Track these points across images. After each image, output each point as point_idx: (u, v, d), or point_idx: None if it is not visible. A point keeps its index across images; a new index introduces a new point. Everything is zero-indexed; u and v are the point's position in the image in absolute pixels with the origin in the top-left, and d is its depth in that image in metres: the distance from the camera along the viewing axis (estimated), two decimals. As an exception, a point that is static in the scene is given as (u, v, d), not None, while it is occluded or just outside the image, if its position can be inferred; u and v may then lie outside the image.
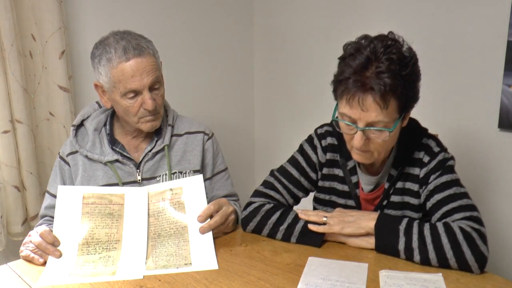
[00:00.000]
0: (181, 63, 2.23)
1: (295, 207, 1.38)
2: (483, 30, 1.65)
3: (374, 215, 1.19)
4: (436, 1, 1.76)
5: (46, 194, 1.44)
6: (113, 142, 1.44)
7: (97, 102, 1.52)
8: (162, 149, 1.44)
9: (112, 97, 1.37)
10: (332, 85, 1.20)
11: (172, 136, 1.47)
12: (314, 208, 1.43)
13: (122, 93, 1.33)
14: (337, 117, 1.20)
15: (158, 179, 1.43)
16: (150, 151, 1.43)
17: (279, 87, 2.47)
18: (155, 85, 1.37)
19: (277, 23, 2.40)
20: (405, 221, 1.15)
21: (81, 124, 1.46)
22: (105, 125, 1.46)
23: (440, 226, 1.12)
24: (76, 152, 1.42)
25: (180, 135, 1.49)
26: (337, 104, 1.20)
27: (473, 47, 1.69)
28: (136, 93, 1.34)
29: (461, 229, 1.10)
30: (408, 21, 1.85)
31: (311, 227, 1.23)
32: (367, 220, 1.18)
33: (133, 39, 1.33)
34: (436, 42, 1.78)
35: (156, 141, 1.45)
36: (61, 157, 1.44)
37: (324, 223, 1.23)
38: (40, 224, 1.38)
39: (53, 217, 1.24)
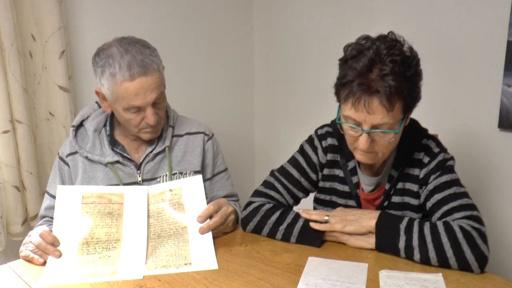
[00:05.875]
0: (181, 64, 2.23)
1: (295, 208, 1.38)
2: (483, 30, 1.65)
3: (375, 214, 1.19)
4: (436, 1, 1.76)
5: (46, 195, 1.44)
6: (113, 143, 1.44)
7: (96, 102, 1.51)
8: (163, 150, 1.44)
9: (114, 106, 1.36)
10: (335, 88, 1.19)
11: (172, 137, 1.47)
12: (315, 209, 1.43)
13: (125, 108, 1.33)
14: (339, 120, 1.20)
15: (158, 180, 1.43)
16: (151, 152, 1.43)
17: (279, 88, 2.47)
18: (158, 100, 1.36)
19: (277, 24, 2.40)
20: (406, 220, 1.15)
21: (80, 125, 1.46)
22: (105, 125, 1.46)
23: (440, 225, 1.12)
24: (76, 153, 1.41)
25: (181, 136, 1.49)
26: (339, 106, 1.20)
27: (473, 47, 1.69)
28: (139, 108, 1.33)
29: (461, 228, 1.10)
30: (408, 21, 1.85)
31: (313, 225, 1.23)
32: (369, 219, 1.19)
33: (138, 54, 1.29)
34: (436, 42, 1.78)
35: (157, 143, 1.44)
36: (60, 158, 1.44)
37: (325, 222, 1.23)
38: (40, 225, 1.37)
39: (52, 218, 1.24)
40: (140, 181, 1.41)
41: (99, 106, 1.50)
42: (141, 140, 1.45)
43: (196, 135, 1.50)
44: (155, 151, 1.43)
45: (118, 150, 1.43)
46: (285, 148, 2.19)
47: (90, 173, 1.40)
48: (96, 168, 1.40)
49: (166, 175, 1.43)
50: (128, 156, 1.43)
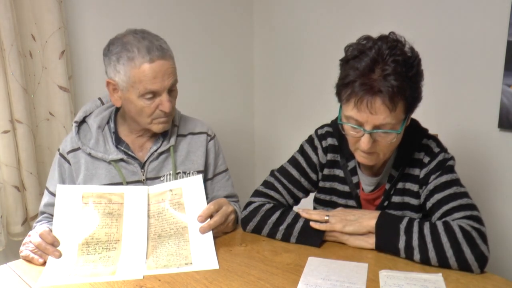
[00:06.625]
0: (181, 63, 2.20)
1: (295, 207, 1.38)
2: (483, 30, 1.65)
3: (375, 214, 1.19)
4: (436, 1, 1.76)
5: (45, 191, 1.43)
6: (117, 140, 1.43)
7: (99, 99, 1.49)
8: (167, 150, 1.44)
9: (126, 96, 1.35)
10: (336, 88, 1.19)
11: (177, 136, 1.47)
12: (315, 209, 1.43)
13: (141, 93, 1.32)
14: (341, 120, 1.20)
15: (162, 179, 1.43)
16: (155, 151, 1.43)
17: (279, 87, 2.47)
18: (173, 87, 1.37)
19: (277, 23, 2.40)
20: (405, 220, 1.15)
21: (82, 121, 1.44)
22: (108, 122, 1.45)
23: (440, 225, 1.12)
24: (78, 149, 1.40)
25: (184, 136, 1.49)
26: (340, 107, 1.19)
27: (473, 47, 1.69)
28: (155, 94, 1.33)
29: (461, 228, 1.10)
30: (408, 21, 1.85)
31: (313, 224, 1.23)
32: (369, 219, 1.19)
33: (155, 40, 1.32)
34: (436, 42, 1.78)
35: (162, 141, 1.44)
36: (61, 154, 1.42)
37: (325, 221, 1.23)
38: (40, 221, 1.38)
39: (52, 215, 1.24)
40: (143, 179, 1.41)
41: (102, 103, 1.49)
42: (146, 137, 1.45)
43: (199, 135, 1.50)
44: (159, 150, 1.43)
45: (122, 148, 1.42)
46: (285, 148, 2.19)
47: (93, 170, 1.39)
48: (99, 165, 1.40)
49: (170, 174, 1.43)
50: (132, 154, 1.42)
